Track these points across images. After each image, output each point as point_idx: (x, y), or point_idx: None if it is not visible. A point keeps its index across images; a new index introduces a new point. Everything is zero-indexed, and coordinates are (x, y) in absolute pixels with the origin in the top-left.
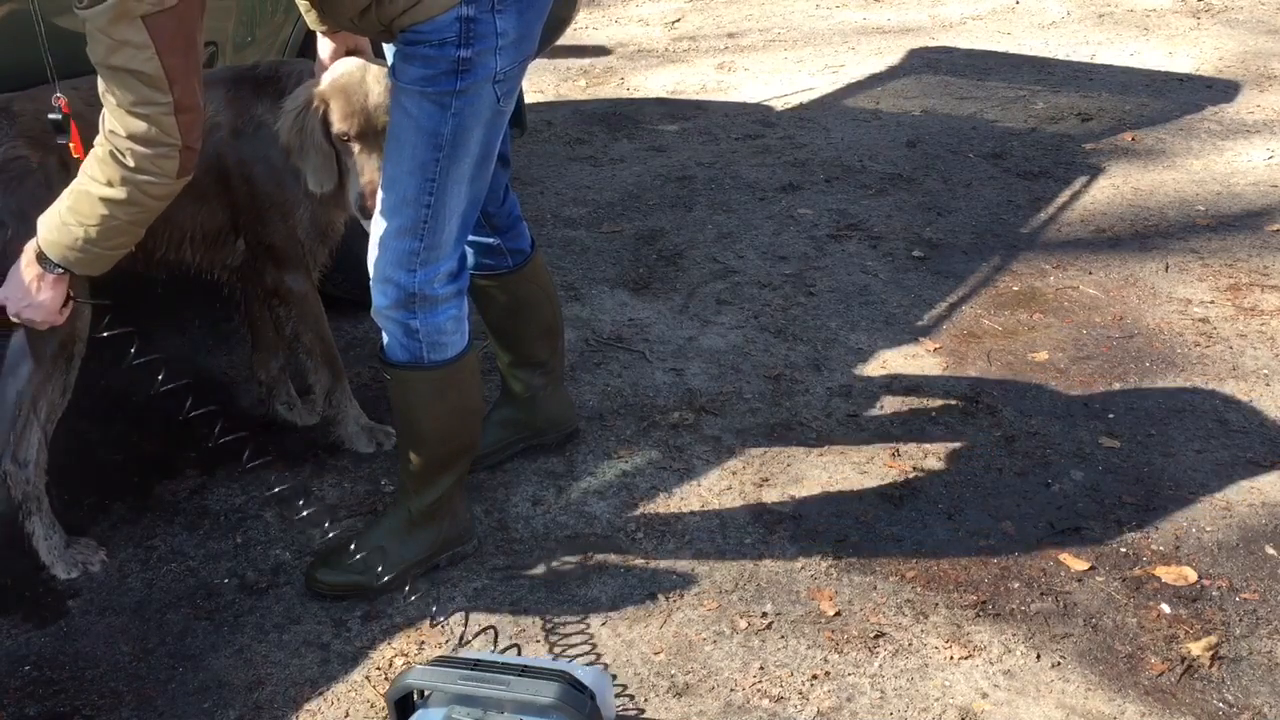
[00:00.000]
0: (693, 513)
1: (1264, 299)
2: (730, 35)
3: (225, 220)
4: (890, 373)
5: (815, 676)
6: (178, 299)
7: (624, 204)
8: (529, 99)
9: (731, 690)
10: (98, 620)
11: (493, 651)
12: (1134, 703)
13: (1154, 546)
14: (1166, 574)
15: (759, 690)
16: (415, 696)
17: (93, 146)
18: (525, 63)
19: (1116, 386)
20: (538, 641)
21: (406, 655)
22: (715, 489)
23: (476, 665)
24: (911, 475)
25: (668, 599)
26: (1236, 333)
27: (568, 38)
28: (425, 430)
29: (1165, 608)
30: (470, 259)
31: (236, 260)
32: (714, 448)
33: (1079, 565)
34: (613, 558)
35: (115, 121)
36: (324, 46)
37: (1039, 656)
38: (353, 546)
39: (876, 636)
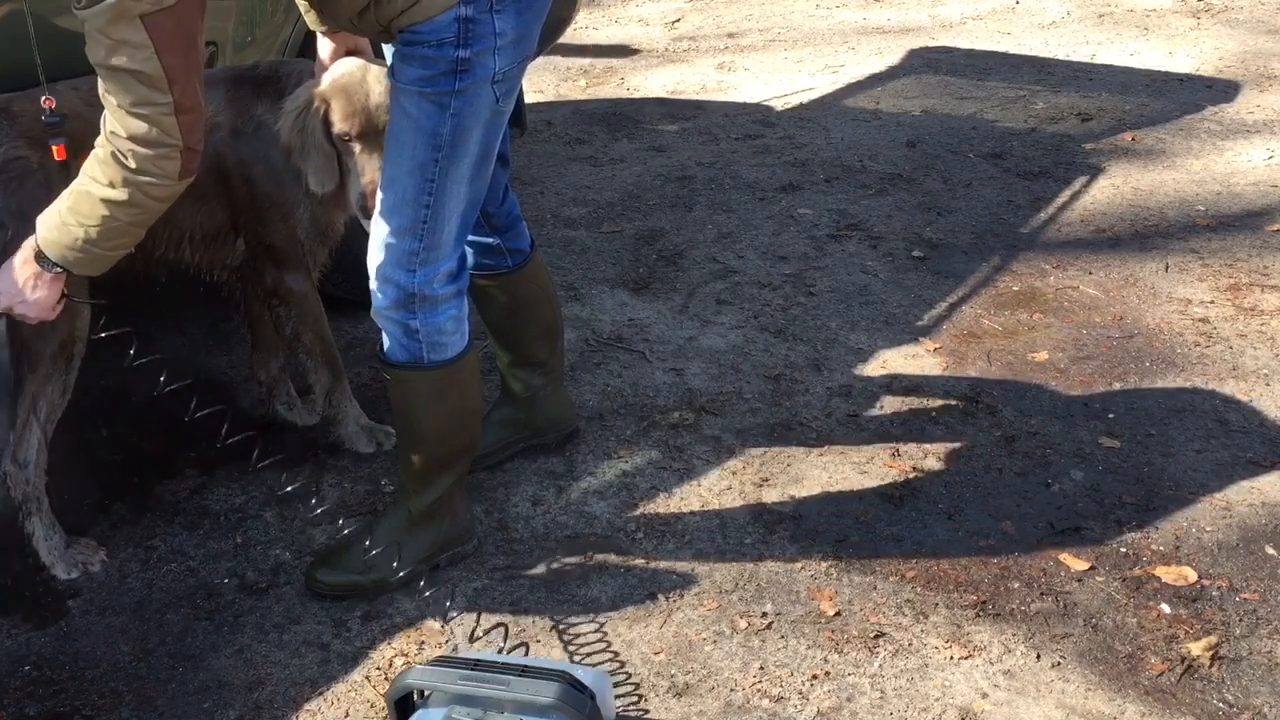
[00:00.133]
0: (693, 513)
1: (1264, 299)
2: (730, 35)
3: (225, 220)
4: (890, 373)
5: (815, 676)
6: (178, 299)
7: (624, 204)
8: (529, 99)
9: (731, 690)
10: (98, 620)
11: (500, 651)
12: (1134, 703)
13: (1154, 546)
14: (1166, 574)
15: (759, 690)
16: (415, 696)
17: (93, 147)
18: (524, 63)
19: (1116, 386)
20: (539, 641)
21: (406, 655)
22: (715, 489)
23: (476, 665)
24: (911, 475)
25: (668, 599)
26: (1236, 333)
27: (580, 38)
28: (425, 430)
29: (1165, 608)
30: (470, 259)
31: (236, 260)
32: (714, 448)
33: (1079, 565)
34: (613, 558)
35: (116, 122)
36: (324, 47)
37: (1039, 656)
38: (354, 547)
39: (876, 636)
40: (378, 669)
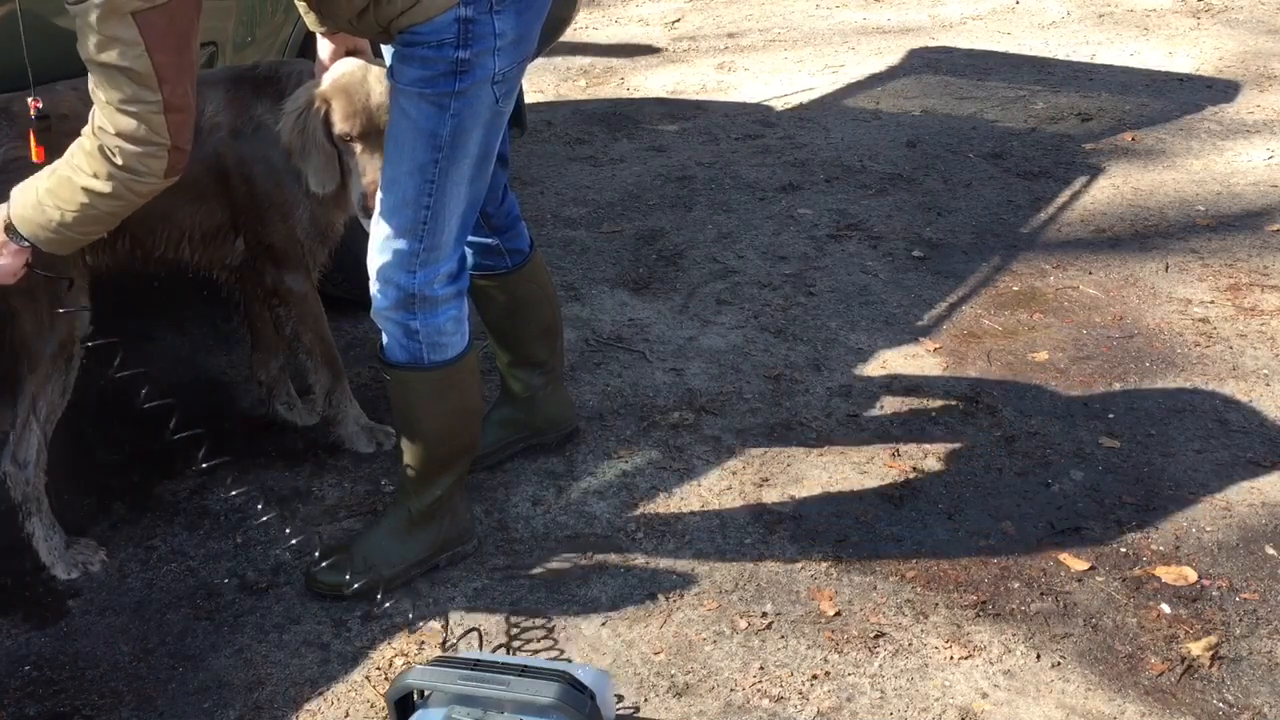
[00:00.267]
0: (693, 513)
1: (1264, 299)
2: (730, 35)
3: (224, 220)
4: (890, 373)
5: (815, 676)
6: (178, 299)
7: (624, 204)
8: (529, 99)
9: (731, 690)
10: (98, 620)
11: (480, 651)
12: (1134, 703)
13: (1154, 546)
14: (1166, 574)
15: (759, 690)
16: (415, 696)
17: (79, 137)
18: (524, 63)
19: (1116, 386)
20: (539, 642)
21: (406, 655)
22: (715, 489)
23: (476, 665)
24: (911, 475)
25: (668, 599)
26: (1236, 333)
27: (580, 38)
28: (425, 430)
29: (1165, 608)
30: (469, 259)
31: (236, 260)
32: (714, 448)
33: (1079, 565)
34: (613, 558)
35: (104, 118)
36: (323, 47)
37: (1039, 656)
38: (353, 547)
39: (876, 636)
40: (378, 669)
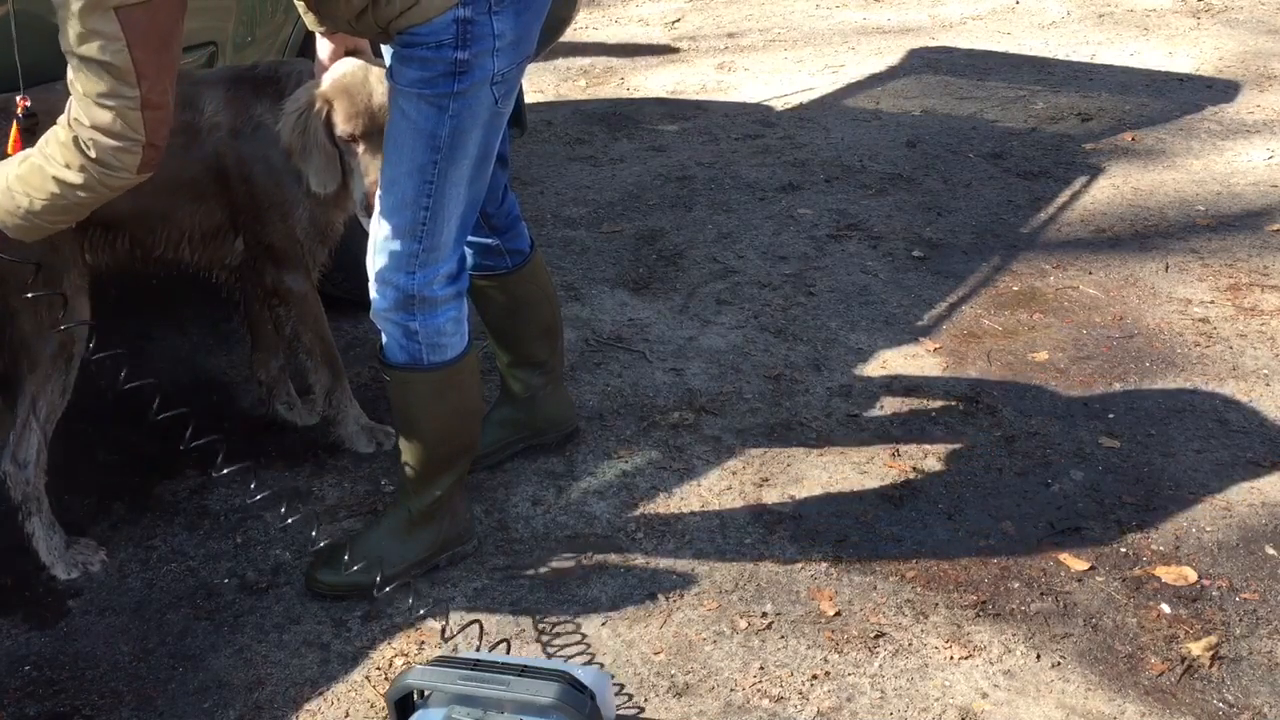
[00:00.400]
0: (693, 513)
1: (1264, 299)
2: (730, 35)
3: (224, 220)
4: (890, 373)
5: (815, 676)
6: (178, 299)
7: (624, 204)
8: (529, 99)
9: (731, 690)
10: (98, 620)
11: (478, 648)
12: (1134, 703)
13: (1154, 546)
14: (1166, 574)
15: (759, 690)
16: (415, 696)
17: (54, 127)
18: (524, 64)
19: (1116, 386)
20: (539, 642)
21: (406, 655)
22: (715, 489)
23: (476, 665)
24: (911, 475)
25: (668, 599)
26: (1236, 333)
27: (580, 38)
28: (425, 431)
29: (1165, 608)
30: (469, 259)
31: (236, 260)
32: (714, 448)
33: (1079, 565)
34: (613, 558)
35: (81, 110)
36: (323, 47)
37: (1039, 656)
38: (353, 547)
39: (876, 636)
40: (378, 669)
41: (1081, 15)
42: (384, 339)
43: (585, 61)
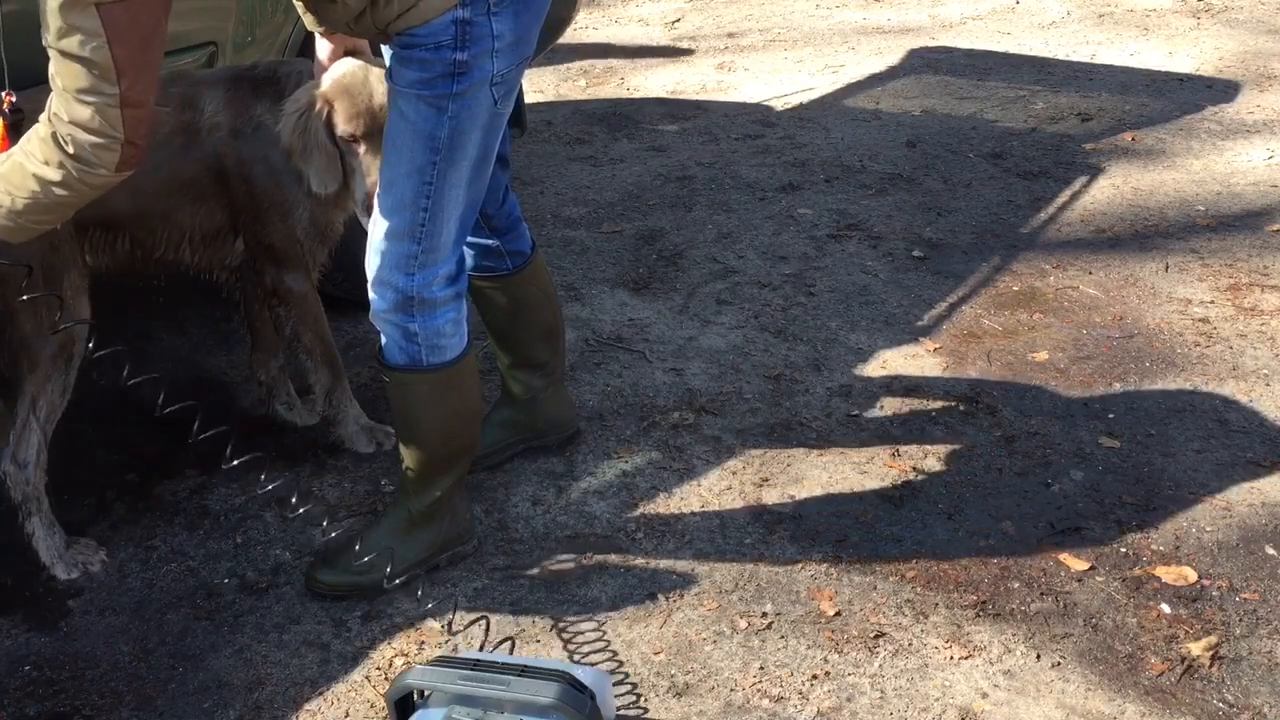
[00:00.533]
0: (693, 513)
1: (1264, 299)
2: (730, 35)
3: (224, 220)
4: (890, 373)
5: (815, 676)
6: (178, 299)
7: (624, 204)
8: (529, 99)
9: (731, 690)
10: (98, 620)
11: (482, 646)
12: (1134, 703)
13: (1154, 546)
14: (1166, 574)
15: (759, 690)
16: (415, 696)
17: (36, 122)
18: (523, 65)
19: (1116, 386)
20: (539, 642)
21: (406, 655)
22: (715, 489)
23: (476, 665)
24: (911, 475)
25: (668, 599)
26: (1236, 333)
27: (580, 38)
28: (424, 432)
29: (1165, 608)
30: (470, 261)
31: (236, 260)
32: (714, 448)
33: (1079, 565)
34: (613, 558)
35: (60, 105)
36: (322, 47)
37: (1039, 656)
38: (354, 547)
39: (876, 636)
40: (378, 669)
41: (1081, 15)
42: (383, 340)
43: (585, 61)
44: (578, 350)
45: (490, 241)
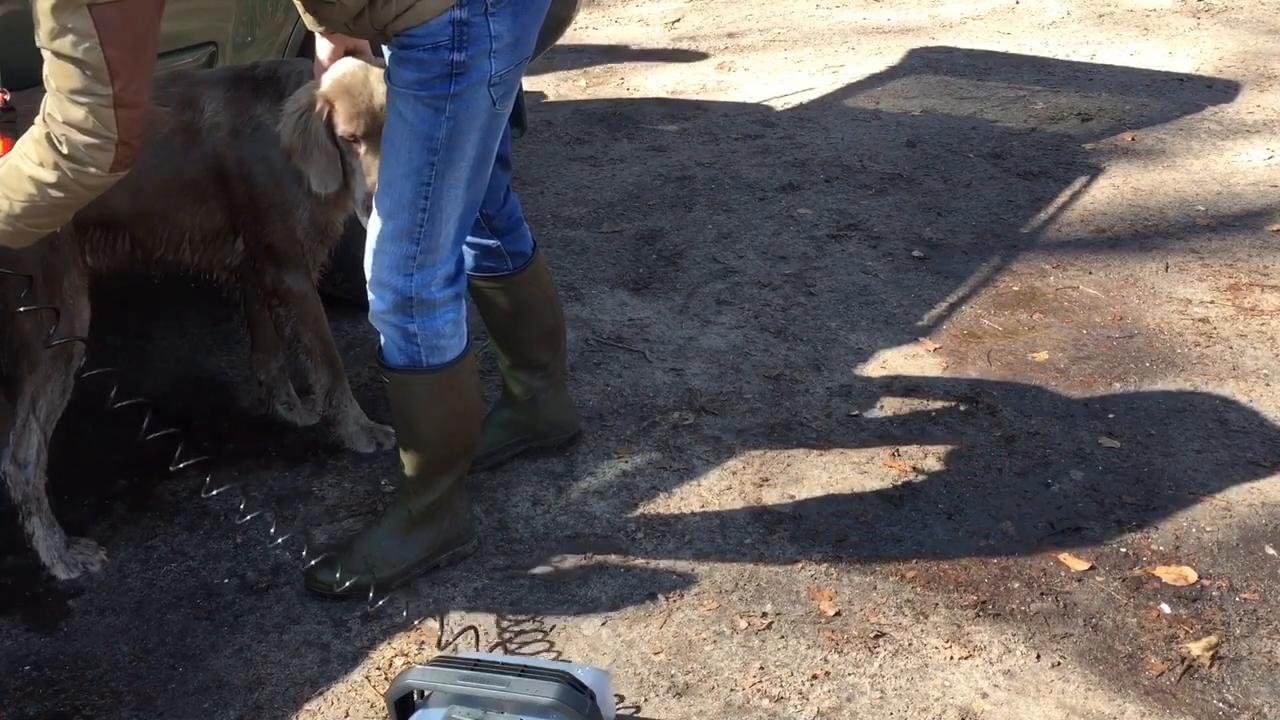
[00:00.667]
0: (693, 513)
1: (1264, 299)
2: (730, 35)
3: (224, 220)
4: (890, 373)
5: (815, 676)
6: (178, 299)
7: (624, 204)
8: (529, 99)
9: (731, 690)
10: (98, 620)
11: (476, 652)
12: (1134, 703)
13: (1154, 546)
14: (1166, 574)
15: (759, 690)
16: (415, 696)
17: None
18: (522, 65)
19: (1116, 386)
20: (536, 642)
21: (406, 655)
22: (715, 489)
23: (476, 665)
24: (911, 475)
25: (668, 599)
26: (1236, 333)
27: (580, 38)
28: (424, 432)
29: (1165, 608)
30: (471, 261)
31: (236, 260)
32: (714, 448)
33: (1079, 565)
34: (613, 558)
35: (54, 106)
36: (322, 47)
37: (1039, 656)
38: (353, 547)
39: (876, 636)
40: (378, 669)
41: (1081, 15)
42: (382, 341)
43: (585, 61)
44: (578, 350)
45: (491, 242)
